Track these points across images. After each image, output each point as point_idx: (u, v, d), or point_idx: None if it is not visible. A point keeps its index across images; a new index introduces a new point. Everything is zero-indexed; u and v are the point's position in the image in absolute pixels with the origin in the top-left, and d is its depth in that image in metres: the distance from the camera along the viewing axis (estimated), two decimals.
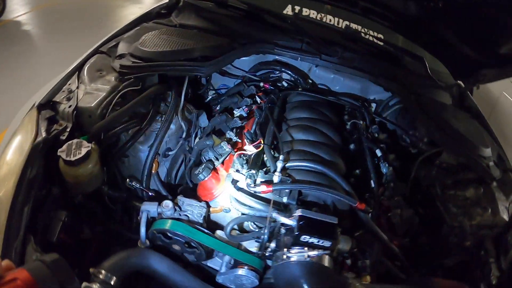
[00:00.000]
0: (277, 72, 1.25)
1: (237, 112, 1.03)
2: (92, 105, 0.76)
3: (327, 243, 0.63)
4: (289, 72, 1.23)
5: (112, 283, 0.57)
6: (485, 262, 0.88)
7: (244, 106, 1.05)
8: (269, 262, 0.74)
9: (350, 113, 1.22)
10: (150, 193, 0.82)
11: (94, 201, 0.79)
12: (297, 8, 1.38)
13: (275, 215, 0.67)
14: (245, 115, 1.05)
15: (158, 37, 0.96)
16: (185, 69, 0.90)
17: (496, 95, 3.20)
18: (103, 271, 0.57)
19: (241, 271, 0.68)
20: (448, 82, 1.37)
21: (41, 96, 0.84)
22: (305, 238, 0.62)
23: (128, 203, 0.80)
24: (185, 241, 0.70)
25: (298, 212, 0.65)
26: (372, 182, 0.93)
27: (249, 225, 0.77)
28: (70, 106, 0.76)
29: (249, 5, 1.27)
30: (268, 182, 0.75)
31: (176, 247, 0.72)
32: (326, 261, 0.63)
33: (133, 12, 4.15)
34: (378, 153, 1.01)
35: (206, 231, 0.72)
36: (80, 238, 0.73)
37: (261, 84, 1.20)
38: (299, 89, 1.21)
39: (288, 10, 1.38)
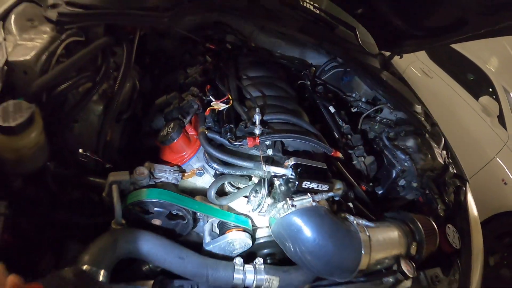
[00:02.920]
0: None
1: (192, 70, 0.98)
2: (28, 57, 0.63)
3: (325, 187, 0.66)
4: (235, 34, 1.23)
5: (100, 278, 0.49)
6: (431, 199, 1.08)
7: (199, 65, 1.01)
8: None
9: (296, 76, 1.29)
10: (107, 165, 0.72)
11: (36, 184, 0.65)
12: None
13: (267, 167, 0.68)
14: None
15: None
16: (143, 19, 0.81)
17: (403, 68, 3.77)
18: (85, 267, 0.49)
19: (233, 235, 0.67)
20: (373, 52, 1.57)
21: None
22: (306, 184, 0.65)
23: (81, 181, 0.69)
24: (168, 213, 0.65)
25: (292, 161, 0.67)
26: (335, 133, 1.01)
27: (227, 186, 0.76)
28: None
29: None
30: (252, 135, 0.74)
31: (157, 221, 0.66)
32: (329, 204, 0.68)
33: None
34: (332, 109, 1.11)
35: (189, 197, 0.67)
36: (26, 235, 0.60)
37: (208, 45, 1.17)
38: (246, 51, 1.22)
39: None
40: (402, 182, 1.11)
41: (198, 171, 0.75)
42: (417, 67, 3.81)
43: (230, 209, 0.73)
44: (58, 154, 0.68)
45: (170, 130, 0.73)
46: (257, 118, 0.76)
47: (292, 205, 0.64)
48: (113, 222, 0.63)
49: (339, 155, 0.87)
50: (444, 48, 3.82)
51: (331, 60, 1.35)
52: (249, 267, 0.65)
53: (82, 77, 0.71)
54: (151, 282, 0.60)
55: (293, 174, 0.66)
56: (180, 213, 0.65)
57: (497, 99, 3.08)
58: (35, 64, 0.64)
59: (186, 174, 0.75)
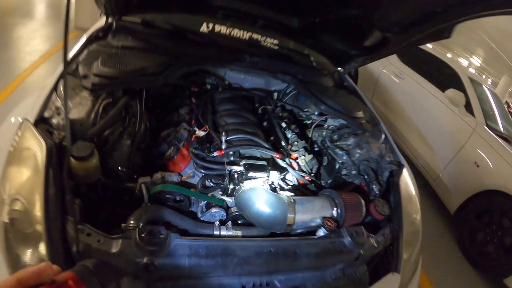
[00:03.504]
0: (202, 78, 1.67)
1: (182, 110, 1.41)
2: (82, 116, 1.06)
3: (263, 175, 1.08)
4: (212, 77, 1.66)
5: (140, 226, 0.90)
6: (369, 182, 1.43)
7: (186, 106, 1.44)
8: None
9: (260, 101, 1.71)
10: (135, 176, 1.15)
11: (92, 190, 1.06)
12: (210, 25, 1.81)
13: (229, 167, 1.11)
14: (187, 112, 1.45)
15: (113, 58, 1.26)
16: (146, 83, 1.25)
17: (378, 72, 4.17)
18: (132, 221, 0.90)
19: (214, 210, 1.09)
20: (330, 70, 1.99)
21: (23, 113, 1.07)
22: (251, 174, 1.07)
23: (120, 185, 1.11)
24: (175, 197, 1.07)
25: (243, 162, 1.09)
26: (282, 142, 1.43)
27: (209, 182, 1.18)
28: (63, 119, 1.05)
29: (172, 25, 1.66)
30: (220, 149, 1.17)
31: (168, 203, 1.08)
32: (267, 185, 1.09)
33: (35, 29, 4.70)
34: (283, 125, 1.53)
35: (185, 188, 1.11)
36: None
37: (192, 88, 1.60)
38: (221, 89, 1.65)
39: (204, 28, 1.80)
40: (344, 172, 1.48)
41: (191, 175, 1.19)
42: (389, 70, 4.21)
43: (212, 195, 1.15)
44: (106, 171, 1.10)
45: (172, 152, 1.17)
46: (223, 139, 1.21)
47: (243, 187, 1.06)
48: (143, 203, 1.03)
49: (279, 156, 1.28)
50: (414, 51, 4.21)
51: (289, 86, 1.77)
52: (223, 226, 1.06)
53: (115, 126, 1.14)
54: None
55: (244, 169, 1.08)
56: (181, 198, 1.07)
57: (463, 91, 3.40)
58: (87, 119, 1.06)
59: (183, 177, 1.18)
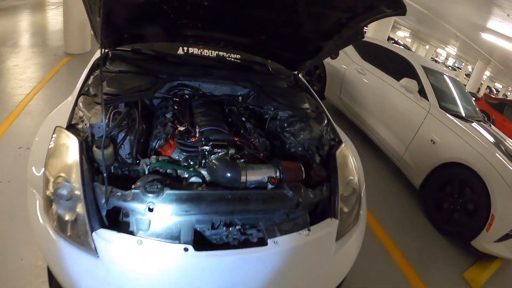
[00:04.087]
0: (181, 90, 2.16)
1: (168, 115, 1.91)
2: (100, 121, 1.51)
3: (223, 151, 1.58)
4: (189, 89, 2.16)
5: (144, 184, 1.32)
6: (312, 155, 1.88)
7: (171, 111, 1.94)
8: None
9: (227, 104, 2.21)
10: (137, 161, 1.62)
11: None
12: (185, 48, 2.34)
13: (201, 148, 1.60)
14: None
15: (114, 80, 1.74)
16: (140, 96, 1.74)
17: (343, 70, 4.72)
18: (138, 183, 1.34)
19: (193, 178, 1.57)
20: (287, 74, 2.52)
21: (56, 122, 1.48)
22: (216, 150, 1.57)
23: (128, 167, 1.56)
24: (166, 171, 1.54)
25: (210, 143, 1.59)
26: (241, 131, 1.93)
27: (189, 161, 1.65)
28: (85, 124, 1.50)
29: (154, 51, 2.20)
30: (195, 137, 1.68)
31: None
32: (228, 156, 1.59)
33: (28, 57, 5.12)
34: (243, 119, 2.04)
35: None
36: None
37: (175, 99, 2.11)
38: (196, 97, 2.16)
39: (180, 51, 2.33)
40: (292, 150, 1.95)
41: (176, 157, 1.67)
42: (352, 68, 4.70)
43: (192, 169, 1.62)
44: (117, 157, 1.56)
45: (162, 142, 1.65)
46: (197, 130, 1.71)
47: (209, 158, 1.56)
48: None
49: (238, 139, 1.75)
50: (372, 48, 4.74)
51: (250, 90, 2.29)
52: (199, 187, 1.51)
53: (122, 127, 1.58)
54: None
55: (210, 148, 1.58)
56: (171, 171, 1.54)
57: (417, 78, 3.86)
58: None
59: (171, 158, 1.67)
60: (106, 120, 1.55)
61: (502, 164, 2.97)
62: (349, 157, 1.87)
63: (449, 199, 3.23)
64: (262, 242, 1.35)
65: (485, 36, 8.21)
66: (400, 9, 1.51)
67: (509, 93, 21.49)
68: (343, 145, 1.89)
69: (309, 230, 1.45)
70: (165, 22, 2.01)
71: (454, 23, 9.73)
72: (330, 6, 1.77)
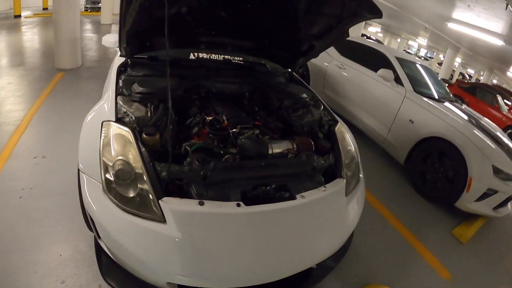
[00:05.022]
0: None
1: (193, 109, 2.29)
2: (143, 114, 1.85)
3: (250, 131, 2.01)
4: (203, 87, 2.54)
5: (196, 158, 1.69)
6: (316, 133, 2.34)
7: (194, 107, 2.33)
8: None
9: (240, 98, 2.62)
10: (176, 146, 1.92)
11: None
12: (196, 54, 2.73)
13: (233, 130, 2.01)
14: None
15: (143, 82, 2.06)
16: (171, 94, 2.10)
17: (324, 68, 5.16)
18: (189, 158, 1.72)
19: (227, 156, 1.95)
20: (282, 71, 2.97)
21: (97, 120, 1.70)
22: (244, 131, 2.00)
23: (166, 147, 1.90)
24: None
25: (238, 126, 2.02)
26: (257, 117, 2.35)
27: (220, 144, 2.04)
28: (131, 118, 1.81)
29: (170, 57, 2.56)
30: (224, 122, 2.10)
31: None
32: (254, 135, 2.01)
33: (20, 75, 4.98)
34: (256, 109, 2.46)
35: None
36: None
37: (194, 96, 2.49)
38: (211, 94, 2.54)
39: (192, 56, 2.72)
40: (299, 130, 2.39)
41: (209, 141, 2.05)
42: (333, 64, 5.19)
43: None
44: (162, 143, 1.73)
45: (197, 130, 2.03)
46: (224, 118, 2.10)
47: (239, 138, 1.93)
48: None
49: (258, 123, 2.18)
50: (350, 45, 5.24)
51: (256, 86, 2.71)
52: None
53: (162, 119, 1.94)
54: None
55: (239, 129, 1.98)
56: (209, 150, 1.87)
57: (392, 68, 4.38)
58: (146, 116, 1.84)
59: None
60: (149, 113, 1.91)
61: (470, 131, 3.49)
62: (346, 132, 2.34)
63: (431, 169, 3.68)
64: (291, 197, 1.75)
65: (451, 25, 8.95)
66: (377, 14, 1.99)
67: (481, 78, 22.88)
68: (339, 123, 2.38)
69: (325, 187, 1.87)
70: (184, 31, 2.39)
71: (421, 15, 10.50)
72: (323, 13, 2.25)
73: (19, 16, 12.23)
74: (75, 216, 2.26)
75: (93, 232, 1.74)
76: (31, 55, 6.76)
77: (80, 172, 1.63)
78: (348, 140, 2.29)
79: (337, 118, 2.48)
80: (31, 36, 8.78)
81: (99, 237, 1.60)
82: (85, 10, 15.88)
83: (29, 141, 3.33)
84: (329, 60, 5.29)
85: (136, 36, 2.23)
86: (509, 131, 9.03)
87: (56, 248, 2.07)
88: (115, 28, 12.49)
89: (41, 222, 2.26)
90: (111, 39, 3.03)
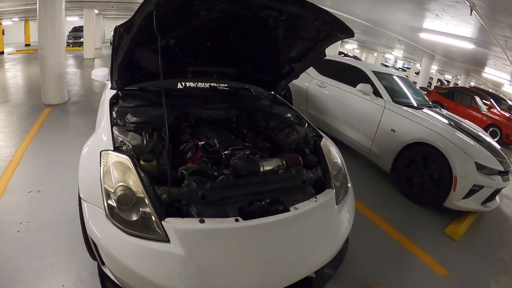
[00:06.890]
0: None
1: (185, 135, 2.42)
2: (139, 143, 1.96)
3: (241, 152, 2.15)
4: (192, 114, 2.66)
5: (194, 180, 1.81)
6: (303, 149, 2.49)
7: (186, 132, 2.46)
8: None
9: (227, 123, 2.77)
10: (172, 171, 2.06)
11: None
12: (183, 83, 2.89)
13: (225, 152, 2.14)
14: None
15: (137, 112, 2.18)
16: (162, 122, 2.17)
17: (305, 87, 5.38)
18: (186, 180, 1.80)
19: (221, 176, 2.07)
20: (266, 94, 3.16)
21: (94, 151, 1.79)
22: (235, 152, 2.13)
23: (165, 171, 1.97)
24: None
25: (230, 148, 2.17)
26: (246, 139, 2.50)
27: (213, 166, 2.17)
28: (127, 146, 1.92)
29: (158, 87, 2.69)
30: (216, 146, 2.23)
31: None
32: (245, 155, 2.15)
33: (9, 111, 5.00)
34: (244, 131, 2.63)
35: None
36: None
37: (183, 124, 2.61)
38: (200, 120, 2.68)
39: (179, 86, 2.87)
40: (287, 148, 2.54)
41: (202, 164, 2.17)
42: (313, 84, 5.41)
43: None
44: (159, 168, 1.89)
45: (190, 155, 2.15)
46: (215, 141, 2.25)
47: (231, 159, 2.08)
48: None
49: (247, 144, 2.33)
50: (328, 64, 5.48)
51: (242, 110, 2.86)
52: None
53: (157, 146, 2.05)
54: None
55: (231, 151, 2.11)
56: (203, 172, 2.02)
57: (370, 82, 4.61)
58: (142, 144, 1.95)
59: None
60: (145, 141, 2.02)
61: (451, 133, 3.69)
62: (331, 145, 2.51)
63: (417, 173, 3.83)
64: (285, 209, 1.88)
65: (423, 35, 9.40)
66: (349, 34, 2.21)
67: (459, 82, 23.86)
68: (324, 138, 2.55)
69: (316, 198, 2.01)
70: (172, 61, 2.55)
71: (394, 29, 11.02)
72: (300, 37, 2.45)
73: (2, 53, 12.32)
74: (75, 246, 2.32)
75: (96, 260, 1.81)
76: (16, 91, 6.85)
77: (81, 200, 1.70)
78: (333, 153, 2.45)
79: (322, 133, 2.65)
80: (14, 73, 8.88)
81: (103, 264, 1.66)
82: (67, 45, 16.10)
83: (22, 176, 3.38)
84: (309, 80, 5.51)
85: (127, 69, 2.37)
86: (491, 129, 9.42)
87: (58, 279, 2.09)
88: (98, 62, 12.70)
89: (41, 254, 2.28)
90: (100, 73, 3.17)
